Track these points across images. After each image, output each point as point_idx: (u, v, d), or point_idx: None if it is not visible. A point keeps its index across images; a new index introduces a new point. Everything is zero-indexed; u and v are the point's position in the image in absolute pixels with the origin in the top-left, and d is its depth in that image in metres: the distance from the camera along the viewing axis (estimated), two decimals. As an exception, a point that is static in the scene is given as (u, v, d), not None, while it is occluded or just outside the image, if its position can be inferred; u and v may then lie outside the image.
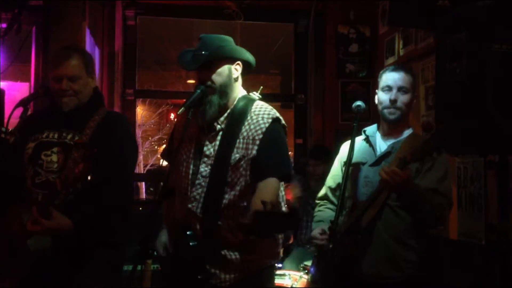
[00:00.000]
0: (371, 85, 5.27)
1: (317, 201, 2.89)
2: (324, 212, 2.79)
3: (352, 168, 2.61)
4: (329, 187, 2.82)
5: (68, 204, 2.49)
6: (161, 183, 2.41)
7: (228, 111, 2.43)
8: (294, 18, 5.59)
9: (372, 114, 5.14)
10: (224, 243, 2.39)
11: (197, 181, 2.41)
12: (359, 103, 2.70)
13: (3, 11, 4.12)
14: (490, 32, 2.38)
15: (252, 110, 2.42)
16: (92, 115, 2.65)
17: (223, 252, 2.39)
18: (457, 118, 2.72)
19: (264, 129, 2.37)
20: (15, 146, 2.65)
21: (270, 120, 2.40)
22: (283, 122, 2.48)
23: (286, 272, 3.87)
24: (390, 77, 2.62)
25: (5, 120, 2.64)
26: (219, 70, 2.39)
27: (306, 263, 3.96)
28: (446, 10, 3.01)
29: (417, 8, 3.43)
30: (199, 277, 2.33)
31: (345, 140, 2.81)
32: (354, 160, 2.61)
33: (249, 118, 2.40)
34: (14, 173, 2.63)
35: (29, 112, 2.76)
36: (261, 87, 2.61)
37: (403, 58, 4.59)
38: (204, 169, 2.41)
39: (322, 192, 2.88)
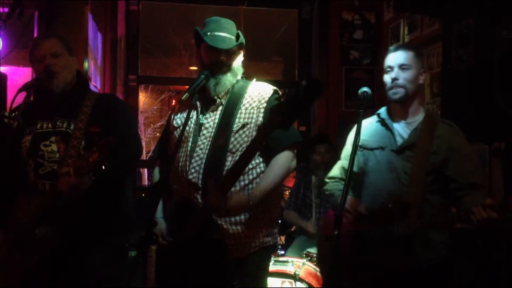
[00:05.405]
0: (375, 72, 5.24)
1: (327, 180, 2.84)
2: (338, 186, 2.75)
3: (370, 152, 2.61)
4: (343, 167, 2.78)
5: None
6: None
7: (229, 87, 2.57)
8: (298, 4, 5.53)
9: (376, 101, 5.13)
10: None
11: (195, 153, 2.47)
12: (365, 89, 2.67)
13: (5, -4, 4.10)
14: (498, 18, 2.36)
15: (250, 86, 2.58)
16: (82, 99, 2.63)
17: (220, 222, 2.41)
18: (463, 105, 2.70)
19: (267, 99, 2.52)
20: (18, 131, 2.63)
21: (271, 91, 2.57)
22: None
23: (289, 259, 3.87)
24: (390, 57, 2.62)
25: (8, 105, 2.63)
26: (240, 55, 2.58)
27: (309, 250, 3.96)
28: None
29: (423, -6, 3.39)
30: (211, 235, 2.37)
31: (349, 126, 2.77)
32: (372, 144, 2.61)
33: (249, 91, 2.55)
34: (16, 162, 2.62)
35: (31, 98, 2.74)
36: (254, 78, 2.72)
37: (407, 44, 4.55)
38: (203, 141, 2.48)
39: (334, 172, 2.83)
